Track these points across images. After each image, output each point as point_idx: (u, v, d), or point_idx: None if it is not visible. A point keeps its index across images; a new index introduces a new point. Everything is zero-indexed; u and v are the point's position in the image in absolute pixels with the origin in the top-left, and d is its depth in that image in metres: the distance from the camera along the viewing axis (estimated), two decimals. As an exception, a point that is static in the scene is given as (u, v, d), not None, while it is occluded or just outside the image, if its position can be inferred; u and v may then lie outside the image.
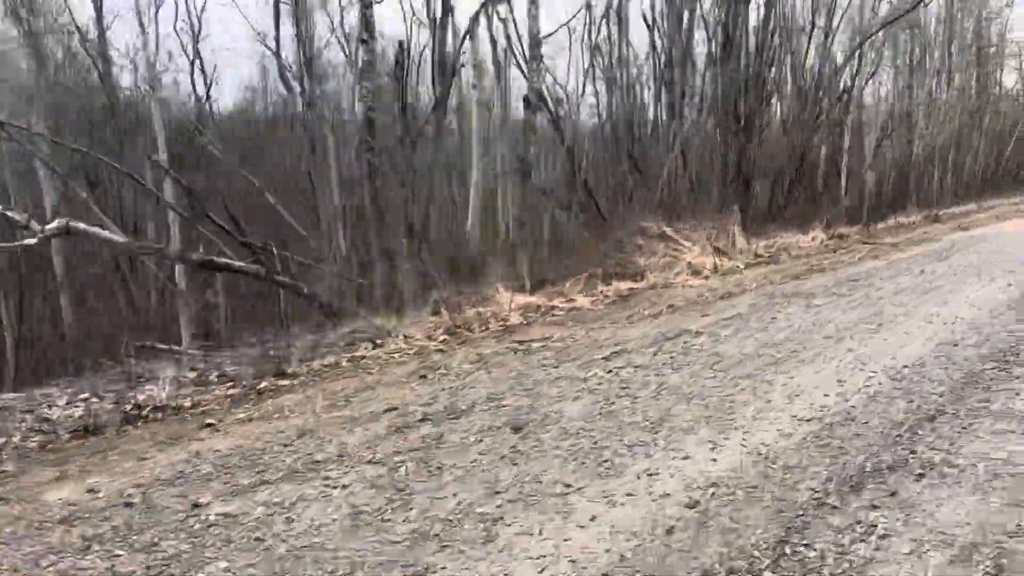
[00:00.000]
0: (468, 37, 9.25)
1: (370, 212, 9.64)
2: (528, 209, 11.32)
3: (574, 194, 13.99)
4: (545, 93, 14.47)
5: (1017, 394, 3.98)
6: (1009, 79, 31.66)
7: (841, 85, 17.34)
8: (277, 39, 9.90)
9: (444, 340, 5.85)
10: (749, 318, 6.32)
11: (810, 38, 17.84)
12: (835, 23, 17.85)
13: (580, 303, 7.26)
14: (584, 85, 13.73)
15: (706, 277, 8.88)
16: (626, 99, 14.94)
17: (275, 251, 8.89)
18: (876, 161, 21.76)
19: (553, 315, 6.81)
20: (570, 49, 14.74)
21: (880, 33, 20.58)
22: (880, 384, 4.24)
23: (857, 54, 19.51)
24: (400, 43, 9.08)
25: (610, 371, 4.74)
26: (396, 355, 5.46)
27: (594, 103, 14.67)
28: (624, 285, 8.12)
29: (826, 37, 17.76)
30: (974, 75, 29.46)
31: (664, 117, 15.45)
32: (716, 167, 15.97)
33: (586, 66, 13.69)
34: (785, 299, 7.17)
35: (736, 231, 10.29)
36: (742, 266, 9.62)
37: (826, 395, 4.08)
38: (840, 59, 19.35)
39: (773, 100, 17.12)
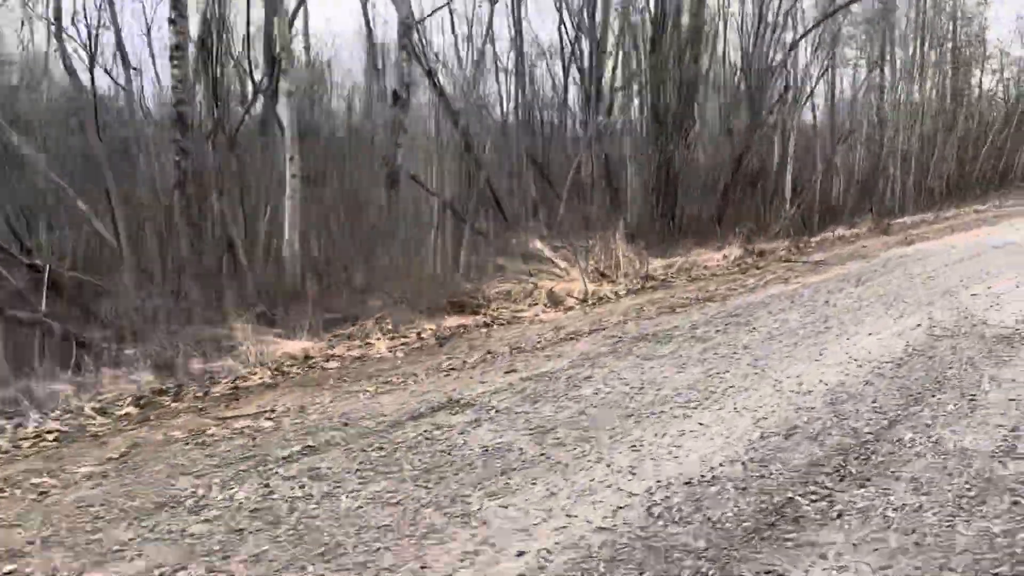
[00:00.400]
0: (276, 15, 7.69)
1: (181, 225, 8.10)
2: (395, 220, 9.79)
3: (471, 199, 12.51)
4: (441, 82, 12.99)
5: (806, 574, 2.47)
6: (987, 80, 30.29)
7: (784, 82, 15.91)
8: (58, 11, 8.30)
9: (126, 415, 4.31)
10: (558, 378, 4.81)
11: (758, 32, 16.44)
12: (781, 15, 16.40)
13: (377, 349, 5.72)
14: (474, 73, 12.16)
15: (569, 308, 7.38)
16: (529, 93, 13.42)
17: (47, 273, 7.35)
18: (831, 167, 20.42)
19: (323, 368, 5.28)
20: (470, 36, 13.26)
21: (836, 29, 19.25)
22: (604, 531, 2.73)
23: (810, 51, 18.18)
24: (205, 16, 7.51)
25: (265, 487, 3.21)
26: (25, 443, 3.92)
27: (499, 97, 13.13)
28: (455, 321, 6.60)
29: (768, 30, 16.35)
30: (948, 75, 28.22)
31: (581, 116, 13.98)
32: (639, 173, 14.56)
33: (477, 54, 12.15)
34: (630, 345, 5.67)
35: (622, 250, 8.79)
36: (623, 293, 8.12)
37: (521, 552, 2.57)
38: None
39: (706, 98, 15.70)
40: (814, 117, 23.42)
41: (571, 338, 6.07)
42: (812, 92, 18.18)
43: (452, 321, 6.57)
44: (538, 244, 8.63)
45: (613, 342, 5.82)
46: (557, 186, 12.49)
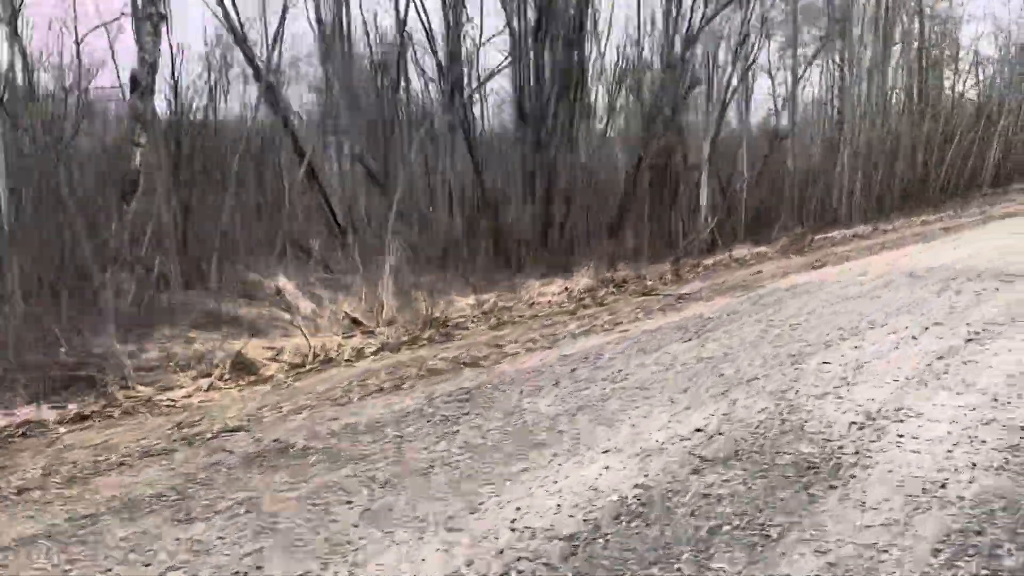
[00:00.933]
0: None
1: None
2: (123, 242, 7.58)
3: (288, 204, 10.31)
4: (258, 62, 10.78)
5: None
6: (959, 81, 28.35)
7: (692, 76, 13.79)
8: None
9: None
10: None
11: (676, 20, 14.33)
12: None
13: None
14: (278, 53, 9.91)
15: (264, 380, 5.18)
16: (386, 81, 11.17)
17: None
18: (764, 174, 18.39)
19: None
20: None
21: (763, 17, 17.25)
22: None
23: (736, 47, 16.13)
24: None
25: None
26: None
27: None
28: (24, 412, 4.39)
29: (682, 17, 14.25)
30: (915, 74, 26.35)
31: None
32: (517, 181, 12.49)
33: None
34: (213, 479, 3.49)
35: (389, 286, 6.60)
36: (372, 350, 5.92)
37: None
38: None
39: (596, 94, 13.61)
40: (777, 121, 21.50)
41: (157, 454, 3.88)
42: (734, 89, 16.06)
43: (24, 412, 4.36)
44: (282, 281, 6.43)
45: (196, 469, 3.62)
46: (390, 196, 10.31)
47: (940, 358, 5.01)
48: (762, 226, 17.37)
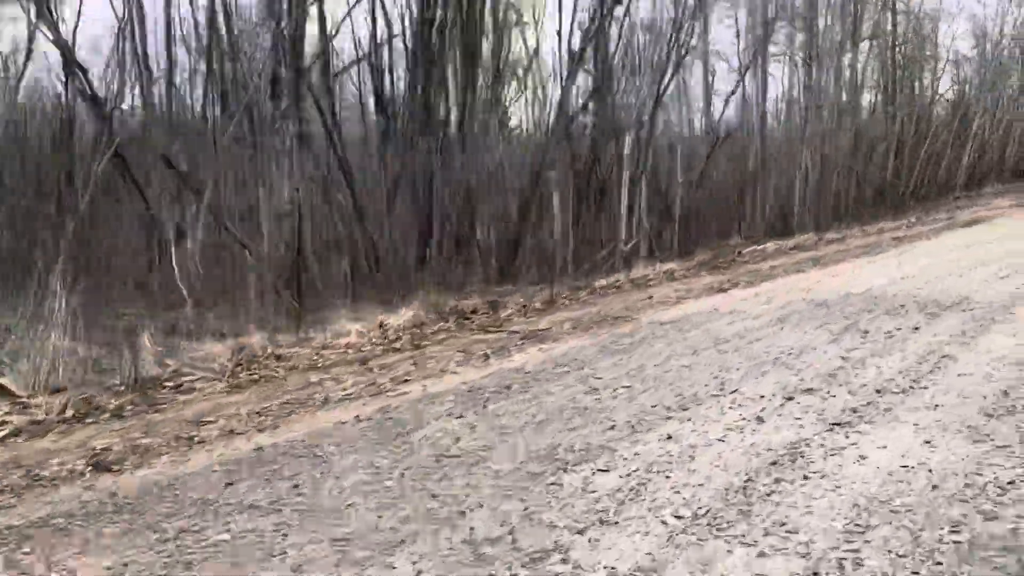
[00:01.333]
0: None
1: None
2: None
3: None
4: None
5: None
6: (936, 80, 26.91)
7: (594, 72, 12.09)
8: None
9: None
10: None
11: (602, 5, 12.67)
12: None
13: None
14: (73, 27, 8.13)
15: None
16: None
17: None
18: (705, 179, 16.73)
19: None
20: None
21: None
22: None
23: (671, 36, 14.48)
24: None
25: None
26: None
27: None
28: None
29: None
30: (889, 72, 24.89)
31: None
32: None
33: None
34: None
35: (59, 332, 4.83)
36: (10, 427, 4.18)
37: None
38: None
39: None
40: (743, 121, 19.86)
41: None
42: (667, 85, 14.35)
43: None
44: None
45: None
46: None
47: (774, 463, 3.30)
48: (701, 235, 15.76)
